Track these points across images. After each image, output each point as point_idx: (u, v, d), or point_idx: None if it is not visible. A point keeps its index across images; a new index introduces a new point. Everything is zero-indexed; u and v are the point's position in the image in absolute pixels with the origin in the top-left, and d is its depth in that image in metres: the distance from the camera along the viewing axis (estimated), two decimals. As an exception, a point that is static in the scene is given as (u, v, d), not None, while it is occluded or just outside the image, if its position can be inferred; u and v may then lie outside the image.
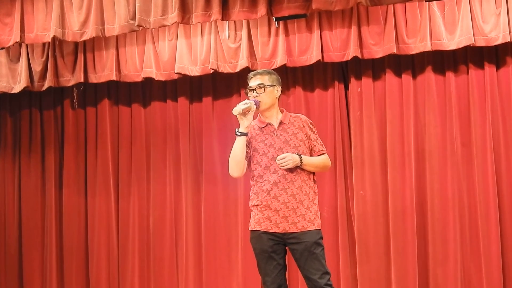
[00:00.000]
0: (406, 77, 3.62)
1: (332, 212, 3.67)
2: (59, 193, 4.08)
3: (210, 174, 3.85)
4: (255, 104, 2.42)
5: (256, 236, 2.43)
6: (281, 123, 2.47)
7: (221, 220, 3.83)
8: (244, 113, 2.41)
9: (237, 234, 3.77)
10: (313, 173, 2.48)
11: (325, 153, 2.52)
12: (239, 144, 2.42)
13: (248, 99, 2.44)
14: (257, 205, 2.44)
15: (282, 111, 2.52)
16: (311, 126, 2.52)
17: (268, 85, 2.47)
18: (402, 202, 3.55)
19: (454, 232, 3.49)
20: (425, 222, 3.55)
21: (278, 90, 2.50)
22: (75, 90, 4.07)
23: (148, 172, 3.99)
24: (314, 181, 2.49)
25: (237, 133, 2.43)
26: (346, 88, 3.74)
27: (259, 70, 2.57)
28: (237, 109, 2.40)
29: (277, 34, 3.59)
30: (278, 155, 2.41)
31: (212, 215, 3.84)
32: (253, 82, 2.49)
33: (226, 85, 3.88)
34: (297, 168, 2.41)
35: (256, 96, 2.46)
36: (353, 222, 3.63)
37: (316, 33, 3.53)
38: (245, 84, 3.76)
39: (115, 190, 4.01)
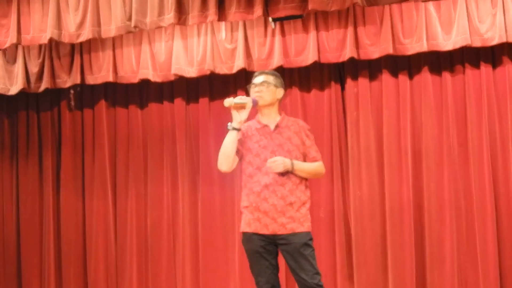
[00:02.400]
0: (403, 78, 3.66)
1: (328, 213, 3.71)
2: (56, 195, 4.12)
3: (207, 175, 3.88)
4: (252, 102, 2.44)
5: (247, 238, 2.49)
6: (277, 126, 2.52)
7: (218, 221, 3.87)
8: (238, 107, 2.43)
9: (234, 235, 3.81)
10: (306, 178, 2.53)
11: (319, 160, 2.55)
12: (230, 139, 2.45)
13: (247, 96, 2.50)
14: (247, 207, 2.50)
15: (280, 114, 2.57)
16: (307, 132, 2.56)
17: (271, 83, 2.51)
18: (399, 202, 3.60)
19: (451, 232, 3.52)
20: (422, 223, 3.57)
21: (280, 92, 2.55)
22: (71, 91, 4.11)
23: (145, 173, 4.03)
24: (306, 186, 2.53)
25: (229, 127, 2.45)
26: (343, 88, 3.78)
27: (266, 70, 2.66)
28: (228, 101, 2.42)
29: (273, 35, 3.64)
30: (270, 157, 2.45)
31: (209, 216, 3.88)
32: (257, 80, 2.54)
33: (223, 86, 3.92)
34: (288, 172, 2.45)
35: (258, 91, 2.49)
36: (350, 223, 3.68)
37: (312, 33, 3.57)
38: (241, 85, 3.78)
39: (113, 191, 4.05)
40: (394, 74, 3.68)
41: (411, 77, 3.66)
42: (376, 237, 3.61)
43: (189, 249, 3.88)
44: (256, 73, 2.59)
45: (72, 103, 4.12)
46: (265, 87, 2.49)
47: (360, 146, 3.67)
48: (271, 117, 2.53)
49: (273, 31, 3.63)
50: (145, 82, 3.94)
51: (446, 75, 3.60)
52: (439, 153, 3.58)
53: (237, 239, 3.79)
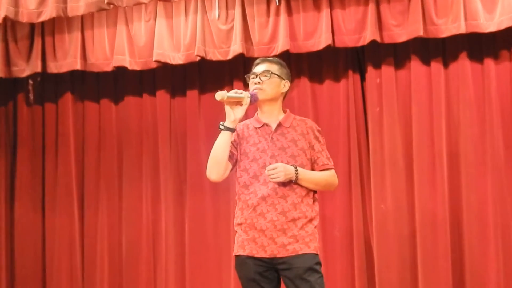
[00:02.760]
0: (436, 65, 3.55)
1: (346, 230, 3.60)
2: (10, 207, 4.05)
3: (195, 185, 3.80)
4: (249, 97, 2.36)
5: (241, 262, 2.39)
6: (279, 125, 2.43)
7: (209, 241, 3.79)
8: (233, 103, 2.35)
9: (228, 258, 3.68)
10: (314, 190, 2.44)
11: (331, 168, 2.46)
12: (222, 141, 2.38)
13: (244, 90, 2.39)
14: (240, 224, 2.40)
15: (284, 112, 2.48)
16: (317, 134, 2.47)
17: (275, 74, 2.44)
18: (431, 218, 3.48)
19: (496, 255, 3.40)
20: (460, 243, 3.47)
21: (285, 85, 2.47)
22: (30, 82, 4.04)
23: (120, 182, 3.96)
24: (315, 200, 2.43)
25: (221, 127, 2.38)
26: (363, 79, 3.69)
27: (269, 58, 2.56)
28: (221, 94, 2.33)
29: (277, 14, 3.55)
30: (270, 163, 2.36)
31: (199, 235, 3.80)
32: (258, 68, 2.46)
33: (216, 75, 3.84)
34: (292, 182, 2.36)
35: (259, 82, 2.41)
36: (371, 243, 3.57)
37: (325, 12, 3.49)
38: (238, 75, 3.76)
39: (80, 204, 3.97)
40: (425, 61, 3.56)
41: (446, 64, 3.55)
42: (404, 260, 3.50)
43: (174, 275, 3.79)
44: (257, 61, 2.50)
45: (31, 95, 4.04)
46: (267, 78, 2.40)
47: (383, 149, 3.57)
48: (273, 115, 2.44)
49: (278, 8, 3.54)
50: (120, 71, 3.86)
51: (489, 62, 3.49)
52: (481, 158, 3.47)
53: (233, 263, 3.67)
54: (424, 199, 3.50)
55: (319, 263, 2.36)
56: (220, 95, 2.32)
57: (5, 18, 3.44)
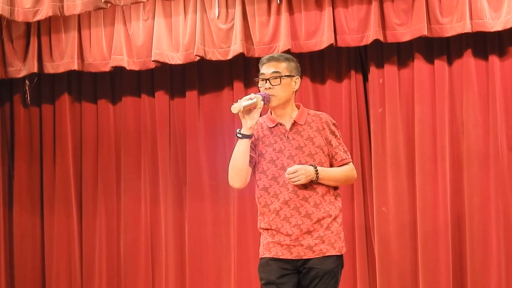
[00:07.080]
0: (440, 64, 3.50)
1: (347, 234, 3.45)
2: (8, 211, 4.03)
3: (195, 187, 3.79)
4: (263, 100, 2.33)
5: (264, 264, 2.39)
6: (294, 123, 2.40)
7: (209, 244, 3.77)
8: (248, 110, 2.31)
9: (229, 262, 3.71)
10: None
11: (349, 162, 2.44)
12: (241, 149, 2.34)
13: (255, 93, 2.35)
14: (267, 229, 2.39)
15: (298, 107, 2.45)
16: (333, 128, 2.43)
17: (285, 76, 2.39)
18: (434, 220, 3.46)
19: (498, 259, 3.36)
20: (462, 246, 3.44)
21: (296, 81, 2.43)
22: (27, 82, 4.00)
23: (118, 184, 3.94)
24: (336, 196, 2.41)
25: (238, 135, 2.34)
26: (365, 78, 3.66)
27: (275, 54, 2.51)
28: (236, 106, 2.28)
29: (279, 12, 3.53)
30: (288, 164, 2.33)
31: (199, 238, 3.78)
32: (266, 69, 2.40)
33: (216, 75, 3.83)
34: (312, 182, 2.33)
35: (269, 88, 2.37)
36: (373, 246, 3.55)
37: (327, 10, 3.46)
38: (239, 75, 3.74)
39: (78, 206, 3.95)
40: (429, 60, 3.52)
41: (450, 63, 3.51)
42: (405, 264, 3.48)
43: (173, 279, 3.77)
44: (262, 59, 2.44)
45: (28, 96, 4.00)
46: (277, 83, 2.35)
47: (386, 150, 3.54)
48: (286, 114, 2.41)
49: (279, 7, 3.52)
50: (118, 71, 3.87)
51: (494, 61, 3.44)
52: (485, 159, 3.43)
53: (233, 268, 3.71)
54: (426, 201, 3.46)
55: (341, 265, 2.38)
56: (236, 108, 2.27)
57: (0, 17, 3.44)
